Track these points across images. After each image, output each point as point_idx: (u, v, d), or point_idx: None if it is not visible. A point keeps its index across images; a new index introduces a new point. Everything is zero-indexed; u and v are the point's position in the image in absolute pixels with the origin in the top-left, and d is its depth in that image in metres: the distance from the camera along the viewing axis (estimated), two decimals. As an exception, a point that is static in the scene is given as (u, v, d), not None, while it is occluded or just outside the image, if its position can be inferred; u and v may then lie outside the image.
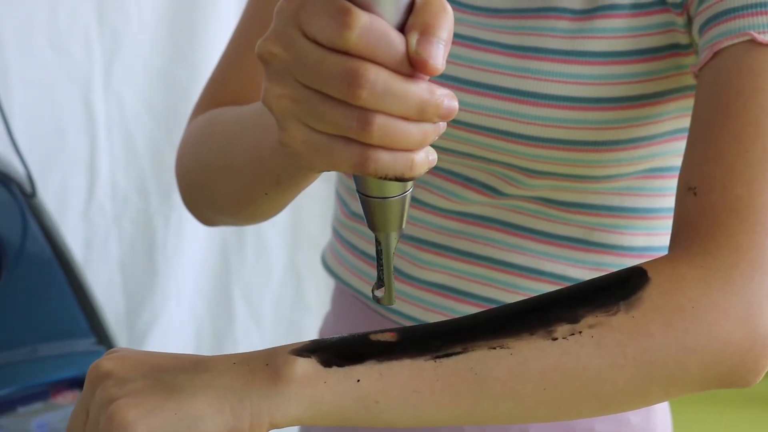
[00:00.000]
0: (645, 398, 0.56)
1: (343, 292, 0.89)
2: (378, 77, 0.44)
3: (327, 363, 0.52)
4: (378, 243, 0.52)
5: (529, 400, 0.54)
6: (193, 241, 1.87)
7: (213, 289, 1.93)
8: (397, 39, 0.45)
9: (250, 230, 1.90)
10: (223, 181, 0.71)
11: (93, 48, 1.74)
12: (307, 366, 0.52)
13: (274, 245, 1.92)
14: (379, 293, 0.54)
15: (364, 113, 0.45)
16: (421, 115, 0.46)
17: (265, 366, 0.52)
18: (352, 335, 0.54)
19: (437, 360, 0.53)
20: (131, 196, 1.84)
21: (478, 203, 0.78)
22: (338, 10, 0.44)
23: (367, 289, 0.84)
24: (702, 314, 0.55)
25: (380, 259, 0.53)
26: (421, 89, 0.46)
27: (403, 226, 0.51)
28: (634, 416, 0.81)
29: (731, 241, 0.57)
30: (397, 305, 0.81)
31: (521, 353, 0.53)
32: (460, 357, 0.53)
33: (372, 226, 0.51)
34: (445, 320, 0.56)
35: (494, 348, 0.53)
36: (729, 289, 0.55)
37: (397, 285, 0.54)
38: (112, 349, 0.56)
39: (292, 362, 0.52)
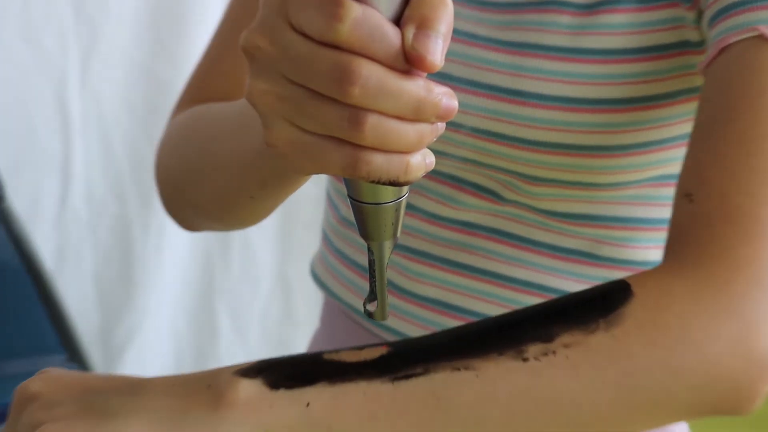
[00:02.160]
0: (627, 425, 0.55)
1: (332, 305, 0.89)
2: (371, 73, 0.44)
3: (274, 385, 0.51)
4: (370, 253, 0.52)
5: (498, 427, 0.53)
6: (174, 250, 1.87)
7: (195, 302, 1.92)
8: (392, 32, 0.44)
9: (235, 239, 1.89)
10: (205, 184, 0.71)
11: (68, 41, 1.75)
12: (251, 388, 0.51)
13: (262, 255, 1.92)
14: (371, 307, 0.54)
15: (356, 112, 0.45)
16: (417, 114, 0.46)
17: (207, 388, 0.51)
18: (305, 354, 0.53)
19: (395, 382, 0.52)
20: (108, 201, 1.83)
21: (477, 209, 0.77)
22: (329, 0, 0.44)
23: (357, 303, 0.83)
24: (690, 333, 0.53)
25: (372, 271, 0.53)
26: (417, 87, 0.45)
27: (398, 234, 0.51)
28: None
29: (728, 253, 0.55)
30: (388, 321, 0.81)
31: (488, 375, 0.52)
32: (421, 379, 0.52)
33: (364, 234, 0.51)
34: (406, 338, 0.55)
35: (458, 369, 0.52)
36: (722, 307, 0.54)
37: (389, 299, 0.54)
38: (42, 370, 0.55)
39: (236, 384, 0.51)
